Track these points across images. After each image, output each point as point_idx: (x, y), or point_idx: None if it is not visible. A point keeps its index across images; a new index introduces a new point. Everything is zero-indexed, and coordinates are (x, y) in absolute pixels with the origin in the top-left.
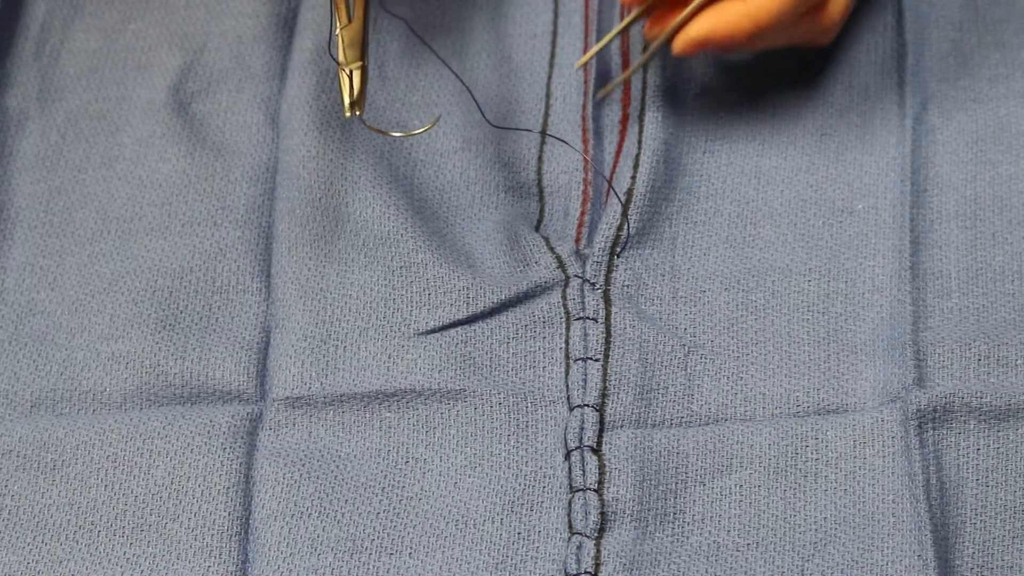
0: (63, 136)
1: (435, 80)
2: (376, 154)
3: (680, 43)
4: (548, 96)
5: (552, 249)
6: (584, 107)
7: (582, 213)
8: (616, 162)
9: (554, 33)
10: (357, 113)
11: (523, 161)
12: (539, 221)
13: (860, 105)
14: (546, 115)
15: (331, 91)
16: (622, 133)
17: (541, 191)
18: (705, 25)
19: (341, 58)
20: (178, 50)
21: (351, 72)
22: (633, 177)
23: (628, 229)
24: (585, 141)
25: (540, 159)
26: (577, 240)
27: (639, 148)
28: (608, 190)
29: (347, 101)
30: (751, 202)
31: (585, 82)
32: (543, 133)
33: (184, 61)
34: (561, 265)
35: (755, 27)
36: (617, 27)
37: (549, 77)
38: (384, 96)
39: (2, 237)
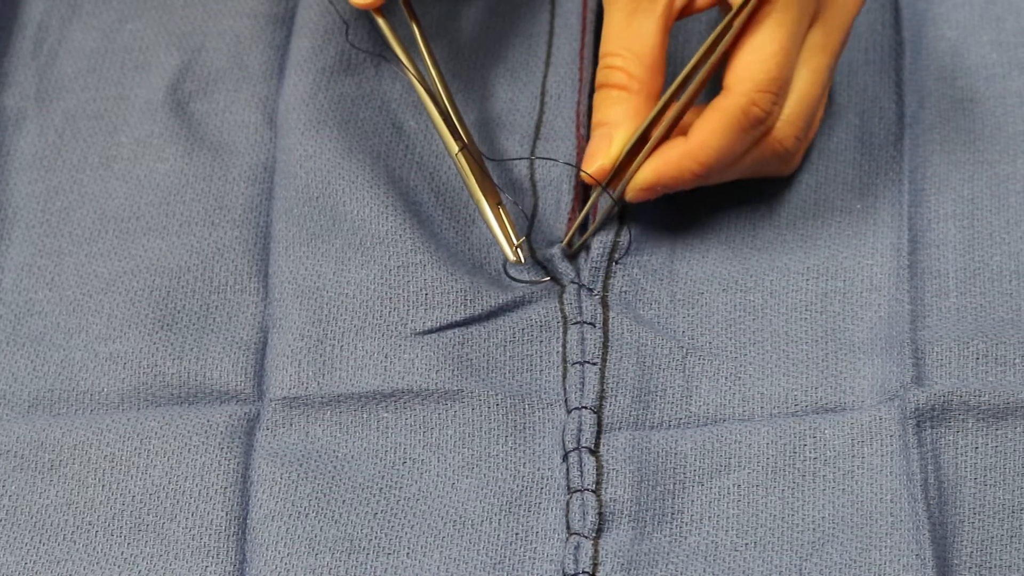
0: (61, 136)
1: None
2: (373, 154)
3: (632, 192)
4: (543, 94)
5: (542, 260)
6: (578, 103)
7: (573, 208)
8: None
9: (551, 33)
10: (523, 259)
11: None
12: (533, 215)
13: (858, 104)
14: (541, 112)
15: (328, 90)
16: None
17: (534, 184)
18: (650, 170)
19: (481, 193)
20: (176, 50)
21: (500, 211)
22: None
23: (630, 237)
24: (579, 137)
25: (532, 153)
26: (569, 234)
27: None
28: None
29: (510, 248)
30: (749, 203)
31: (580, 80)
32: (531, 157)
33: (182, 61)
34: (551, 274)
35: (699, 166)
36: (586, 206)
37: (545, 76)
38: (381, 96)
39: (0, 237)
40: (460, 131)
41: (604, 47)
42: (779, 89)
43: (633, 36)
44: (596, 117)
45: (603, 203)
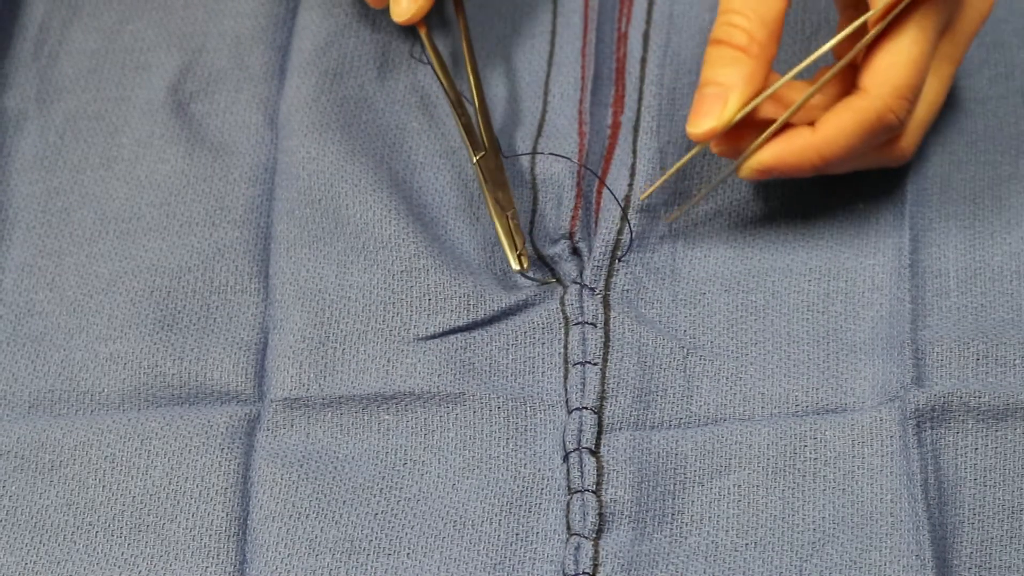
0: (62, 137)
1: (434, 81)
2: (376, 157)
3: (746, 170)
4: (546, 94)
5: (545, 257)
6: (581, 102)
7: (576, 207)
8: (607, 166)
9: (553, 32)
10: (525, 266)
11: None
12: (533, 211)
13: None
14: (543, 112)
15: (330, 92)
16: (612, 137)
17: (534, 179)
18: (771, 154)
19: (491, 201)
20: (176, 50)
21: (510, 218)
22: (630, 185)
23: (631, 235)
24: (581, 135)
25: (534, 149)
26: (572, 232)
27: (634, 157)
28: (600, 187)
29: (513, 256)
30: (751, 202)
31: (583, 78)
32: (533, 152)
33: (183, 61)
34: (555, 274)
35: (822, 161)
36: (683, 158)
37: (547, 75)
38: (383, 98)
39: (0, 237)
40: (485, 138)
41: (726, 3)
42: (915, 96)
43: None
44: (707, 74)
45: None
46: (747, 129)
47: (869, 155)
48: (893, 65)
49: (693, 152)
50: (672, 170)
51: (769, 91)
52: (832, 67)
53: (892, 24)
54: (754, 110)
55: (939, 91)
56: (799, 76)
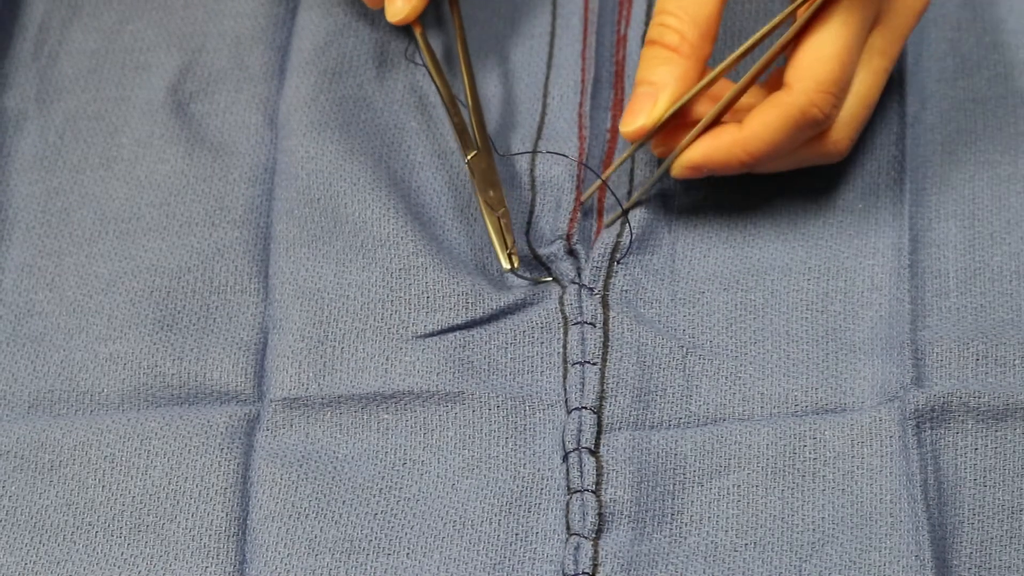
0: (61, 137)
1: (432, 81)
2: (375, 156)
3: (678, 168)
4: (545, 95)
5: (540, 257)
6: (580, 105)
7: (575, 209)
8: (606, 170)
9: (552, 34)
10: (515, 265)
11: (517, 156)
12: (531, 212)
13: None
14: (543, 114)
15: (330, 92)
16: (611, 142)
17: (533, 180)
18: (700, 151)
19: (482, 200)
20: (176, 50)
21: (500, 217)
22: (629, 190)
23: (631, 237)
24: (581, 139)
25: (534, 151)
26: (569, 234)
27: (632, 162)
28: (601, 188)
29: (503, 254)
30: (751, 203)
31: (583, 81)
32: (534, 151)
33: (182, 62)
34: (551, 273)
35: (749, 157)
36: (627, 152)
37: (547, 77)
38: (382, 98)
39: (0, 237)
40: (477, 138)
41: (661, 4)
42: (840, 91)
43: None
44: (641, 74)
45: (635, 168)
46: (686, 129)
47: (800, 152)
48: (817, 60)
49: (631, 151)
50: (613, 167)
51: (696, 88)
52: (766, 65)
53: (816, 19)
54: (692, 111)
55: (871, 85)
56: (735, 79)
